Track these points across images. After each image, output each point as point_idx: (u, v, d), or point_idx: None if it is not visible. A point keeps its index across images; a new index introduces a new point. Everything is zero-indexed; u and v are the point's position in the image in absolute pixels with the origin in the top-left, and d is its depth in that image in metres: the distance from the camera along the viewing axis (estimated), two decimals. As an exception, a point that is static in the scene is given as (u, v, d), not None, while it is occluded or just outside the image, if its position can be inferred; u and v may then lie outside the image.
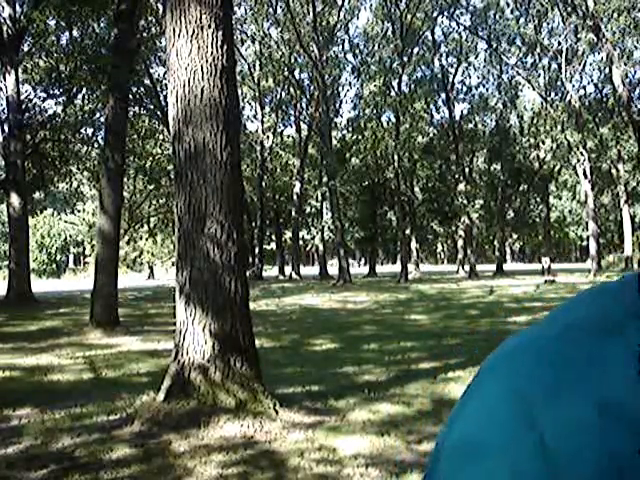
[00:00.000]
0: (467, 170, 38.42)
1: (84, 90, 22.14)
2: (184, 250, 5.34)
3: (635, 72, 35.85)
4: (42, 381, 7.09)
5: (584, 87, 38.08)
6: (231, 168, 5.37)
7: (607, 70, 31.87)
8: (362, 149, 37.12)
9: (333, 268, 47.35)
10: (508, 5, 37.72)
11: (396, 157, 33.08)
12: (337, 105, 40.94)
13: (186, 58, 5.31)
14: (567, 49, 33.66)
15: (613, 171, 37.74)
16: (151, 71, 25.96)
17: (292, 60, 36.36)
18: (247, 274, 5.76)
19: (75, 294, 23.89)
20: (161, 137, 30.86)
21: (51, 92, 22.92)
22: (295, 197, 39.71)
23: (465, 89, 42.54)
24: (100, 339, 10.96)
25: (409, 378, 6.72)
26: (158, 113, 26.22)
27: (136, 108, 25.43)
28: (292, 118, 41.50)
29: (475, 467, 0.40)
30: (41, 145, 22.42)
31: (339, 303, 18.27)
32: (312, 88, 37.73)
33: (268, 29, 37.44)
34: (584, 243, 54.36)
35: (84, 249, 62.93)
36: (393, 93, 34.75)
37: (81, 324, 12.64)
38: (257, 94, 39.36)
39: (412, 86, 38.23)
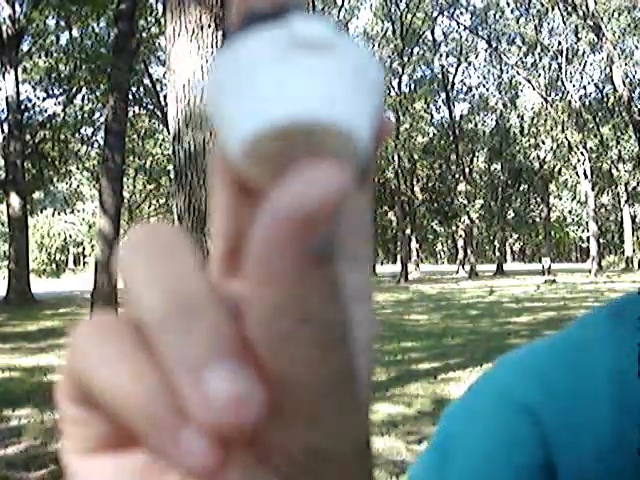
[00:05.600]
0: (467, 170, 38.42)
1: (84, 90, 22.16)
2: (184, 250, 5.33)
3: (635, 72, 35.89)
4: (42, 381, 7.09)
5: (584, 87, 38.04)
6: (231, 168, 5.37)
7: (607, 70, 31.89)
8: (362, 149, 37.03)
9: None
10: (508, 5, 37.72)
11: (396, 157, 33.08)
12: (337, 105, 40.89)
13: (186, 58, 5.31)
14: (567, 49, 33.66)
15: (613, 171, 37.74)
16: (151, 71, 25.97)
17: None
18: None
19: (75, 294, 23.90)
20: (161, 137, 30.90)
21: (51, 92, 22.94)
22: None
23: (465, 89, 42.60)
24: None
25: (409, 378, 6.72)
26: (158, 113, 26.23)
27: (136, 108, 25.45)
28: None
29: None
30: (41, 145, 22.42)
31: (339, 303, 18.24)
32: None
33: (268, 29, 37.41)
34: (584, 243, 54.38)
35: (84, 249, 62.96)
36: (393, 93, 34.75)
37: (81, 324, 12.61)
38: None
39: (412, 86, 38.25)
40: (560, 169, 40.36)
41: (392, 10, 35.29)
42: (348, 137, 0.13)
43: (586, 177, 32.41)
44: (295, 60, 0.13)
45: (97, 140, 25.73)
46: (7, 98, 19.64)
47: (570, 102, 32.88)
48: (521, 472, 0.42)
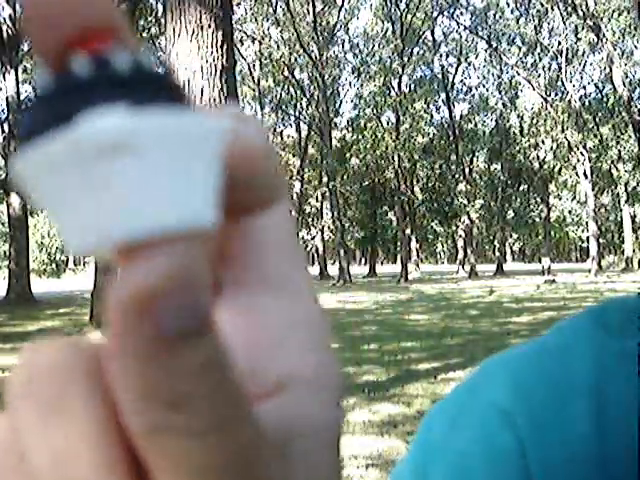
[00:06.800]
0: (467, 170, 38.42)
1: (84, 90, 22.11)
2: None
3: (635, 72, 35.89)
4: (42, 381, 7.08)
5: (584, 87, 38.07)
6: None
7: (607, 70, 31.89)
8: (362, 149, 37.13)
9: (333, 268, 47.41)
10: (508, 5, 37.74)
11: (396, 157, 33.08)
12: (337, 105, 40.94)
13: (186, 58, 5.31)
14: (567, 49, 33.66)
15: (613, 171, 37.75)
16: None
17: (292, 60, 36.37)
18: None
19: (75, 294, 23.89)
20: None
21: (51, 92, 22.91)
22: (295, 197, 39.74)
23: (465, 89, 42.61)
24: (100, 339, 10.93)
25: (409, 378, 6.72)
26: (158, 113, 26.20)
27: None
28: (292, 118, 41.56)
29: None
30: (41, 145, 22.40)
31: (339, 303, 18.28)
32: (312, 88, 37.78)
33: (268, 29, 37.46)
34: (584, 243, 54.38)
35: (84, 249, 62.83)
36: (393, 93, 34.77)
37: (81, 324, 12.64)
38: (257, 94, 39.39)
39: (412, 86, 38.26)
40: (560, 169, 40.37)
41: (392, 10, 35.28)
42: (173, 229, 0.12)
43: (586, 177, 32.41)
44: (95, 173, 0.12)
45: (97, 140, 25.70)
46: (7, 98, 19.65)
47: (570, 102, 32.88)
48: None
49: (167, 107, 0.12)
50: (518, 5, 37.03)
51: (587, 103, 37.06)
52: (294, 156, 42.60)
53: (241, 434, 0.13)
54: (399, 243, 38.09)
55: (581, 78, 36.37)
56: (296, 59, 37.01)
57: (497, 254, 40.99)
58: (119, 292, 0.12)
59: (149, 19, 20.67)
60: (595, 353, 0.43)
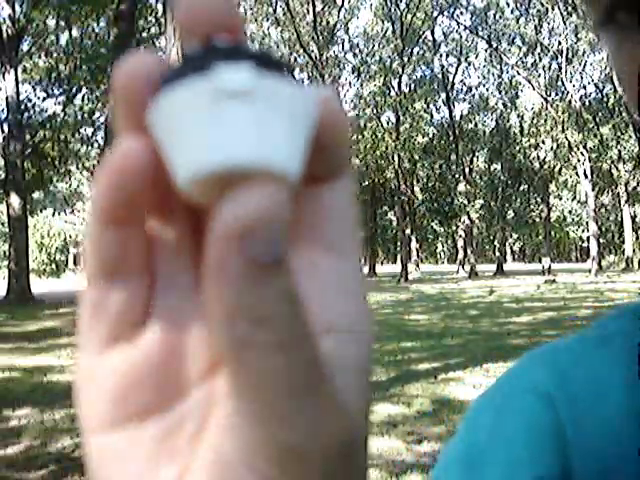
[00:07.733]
0: (467, 170, 38.42)
1: (84, 90, 22.18)
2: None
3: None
4: (42, 381, 7.09)
5: (584, 87, 38.04)
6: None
7: (607, 70, 31.87)
8: (362, 149, 37.13)
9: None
10: (508, 5, 37.74)
11: (396, 157, 33.08)
12: (337, 105, 40.91)
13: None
14: (567, 49, 33.66)
15: (613, 171, 37.76)
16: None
17: (292, 60, 36.39)
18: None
19: (75, 294, 23.91)
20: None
21: (50, 92, 22.95)
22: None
23: (465, 89, 42.62)
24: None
25: (409, 378, 6.72)
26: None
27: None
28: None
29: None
30: (40, 145, 22.43)
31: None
32: (312, 88, 37.72)
33: (268, 29, 37.47)
34: (584, 243, 54.39)
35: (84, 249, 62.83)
36: (393, 93, 34.77)
37: (81, 324, 12.59)
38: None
39: (412, 86, 38.26)
40: (560, 169, 40.39)
41: (392, 10, 35.30)
42: (272, 168, 0.15)
43: (586, 177, 32.41)
44: (221, 110, 0.15)
45: (97, 140, 25.76)
46: (7, 98, 19.64)
47: (570, 102, 32.88)
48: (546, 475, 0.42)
49: (279, 75, 0.16)
50: (518, 5, 37.04)
51: (587, 103, 37.05)
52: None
53: (309, 352, 0.16)
54: (399, 243, 38.10)
55: (581, 78, 36.36)
56: (296, 59, 37.04)
57: (497, 254, 40.99)
58: (223, 219, 0.14)
59: (149, 19, 20.66)
60: (633, 344, 0.44)
